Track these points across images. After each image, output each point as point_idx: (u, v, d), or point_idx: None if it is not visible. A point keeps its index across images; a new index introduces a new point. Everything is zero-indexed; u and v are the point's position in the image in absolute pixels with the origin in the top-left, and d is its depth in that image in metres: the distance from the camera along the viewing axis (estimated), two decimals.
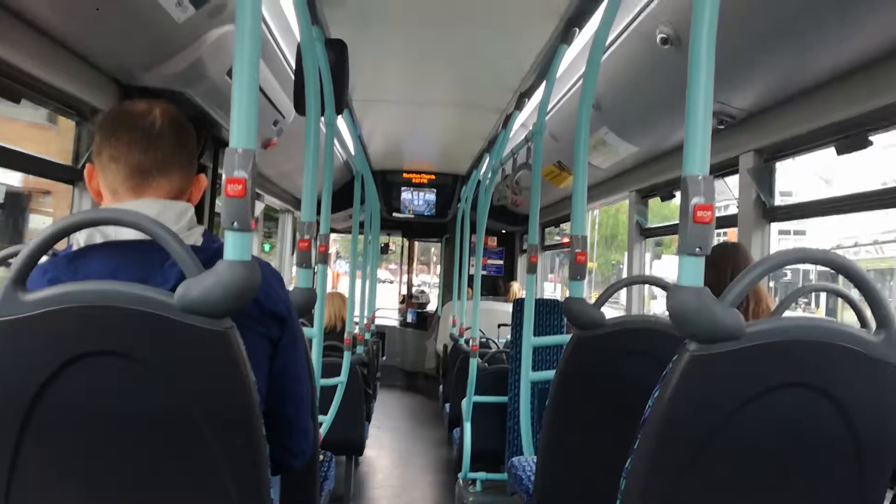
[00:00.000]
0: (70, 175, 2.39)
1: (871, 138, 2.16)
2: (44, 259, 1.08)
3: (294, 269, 2.20)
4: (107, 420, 1.04)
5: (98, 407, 1.03)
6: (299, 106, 2.22)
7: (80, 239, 1.16)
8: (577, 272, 2.01)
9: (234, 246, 1.02)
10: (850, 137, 2.22)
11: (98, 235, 1.16)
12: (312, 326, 2.62)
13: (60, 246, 1.15)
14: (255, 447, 1.08)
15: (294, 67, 2.43)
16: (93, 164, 1.25)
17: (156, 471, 1.06)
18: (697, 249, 1.06)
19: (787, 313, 1.96)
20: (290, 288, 1.75)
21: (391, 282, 11.88)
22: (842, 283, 1.56)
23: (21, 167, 2.23)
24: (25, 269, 1.02)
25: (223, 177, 1.04)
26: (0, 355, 1.01)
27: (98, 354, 1.01)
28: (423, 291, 9.15)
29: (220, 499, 1.08)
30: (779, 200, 2.68)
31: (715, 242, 1.62)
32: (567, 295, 2.00)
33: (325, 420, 3.24)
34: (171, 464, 1.06)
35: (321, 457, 2.28)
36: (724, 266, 2.06)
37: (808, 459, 1.13)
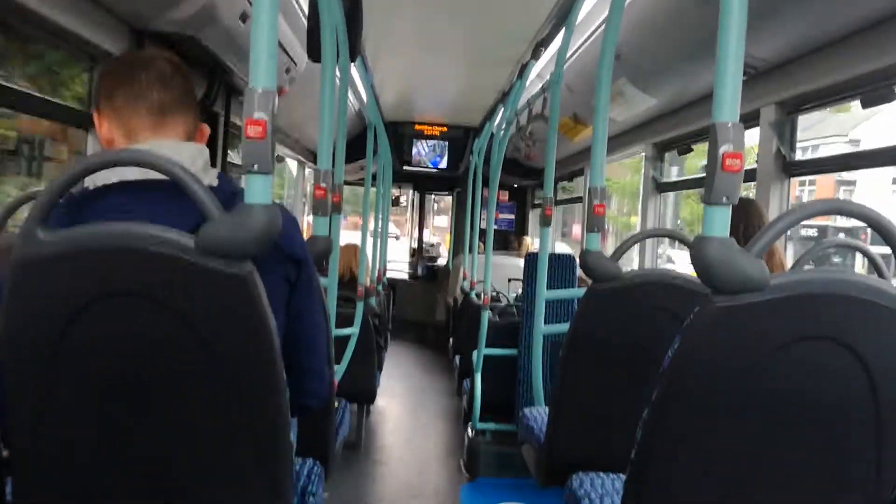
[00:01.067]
0: (83, 119, 2.38)
1: None
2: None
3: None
4: (129, 360, 1.04)
5: (120, 347, 1.04)
6: (313, 52, 2.18)
7: (96, 179, 1.16)
8: (594, 224, 1.99)
9: (255, 189, 1.01)
10: (876, 90, 2.17)
11: (115, 176, 1.15)
12: (326, 275, 2.62)
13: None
14: (276, 389, 1.08)
15: (307, 14, 2.38)
16: (99, 112, 1.25)
17: (178, 411, 1.07)
18: (724, 199, 1.04)
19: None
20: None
21: (396, 237, 11.83)
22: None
23: (34, 111, 2.21)
24: (47, 208, 1.01)
25: (239, 121, 1.03)
26: (21, 294, 1.02)
27: (119, 295, 1.01)
28: (433, 245, 9.15)
29: (241, 440, 1.09)
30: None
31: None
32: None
33: (339, 369, 3.27)
34: (193, 406, 1.07)
35: (336, 403, 2.31)
36: (736, 222, 2.03)
37: (828, 414, 1.13)
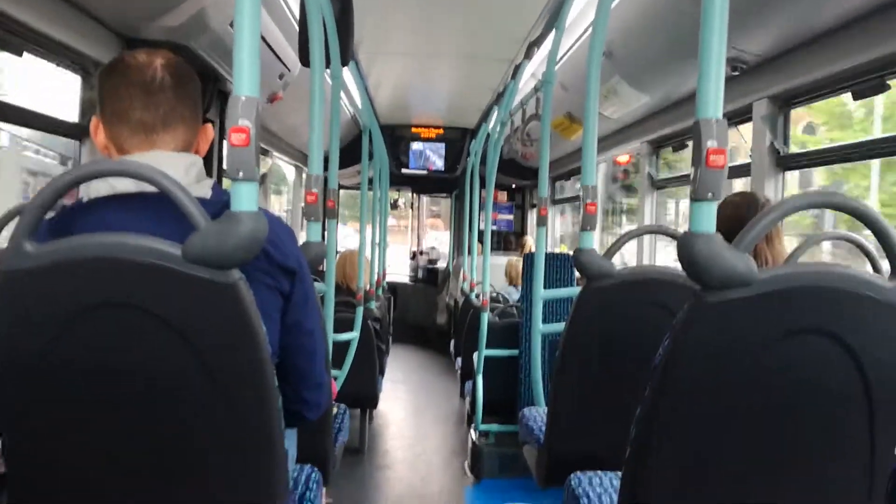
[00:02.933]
0: (75, 131, 2.38)
1: (888, 82, 2.11)
2: (51, 213, 1.08)
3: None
4: (117, 371, 1.05)
5: (107, 359, 1.04)
6: (304, 57, 2.18)
7: (90, 191, 1.16)
8: (587, 223, 1.99)
9: (241, 196, 1.01)
10: (868, 82, 2.17)
11: (109, 188, 1.15)
12: (323, 281, 2.63)
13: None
14: (266, 398, 1.08)
15: (298, 19, 2.39)
16: (98, 118, 1.23)
17: (167, 421, 1.07)
18: (710, 195, 1.04)
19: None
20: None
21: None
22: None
23: (26, 123, 2.22)
24: (34, 221, 1.02)
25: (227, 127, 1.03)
26: (9, 307, 1.02)
27: (107, 306, 1.02)
28: (433, 248, 9.15)
29: (233, 450, 1.09)
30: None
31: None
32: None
33: (339, 374, 3.27)
34: (182, 415, 1.07)
35: (335, 409, 2.31)
36: (735, 217, 2.03)
37: (820, 407, 1.13)
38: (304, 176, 6.26)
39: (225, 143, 1.02)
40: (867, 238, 1.72)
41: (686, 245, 1.05)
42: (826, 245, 2.94)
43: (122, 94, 1.19)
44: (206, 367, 1.04)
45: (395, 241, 9.39)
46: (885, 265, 1.18)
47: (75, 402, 1.06)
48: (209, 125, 1.31)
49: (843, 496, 1.17)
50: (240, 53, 1.01)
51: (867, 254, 1.76)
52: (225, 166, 1.02)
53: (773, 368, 1.09)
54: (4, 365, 1.04)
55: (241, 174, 1.01)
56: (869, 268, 1.75)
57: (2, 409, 1.06)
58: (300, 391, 1.39)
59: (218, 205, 1.14)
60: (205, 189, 1.20)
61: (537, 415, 2.40)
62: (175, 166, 1.16)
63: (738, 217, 2.03)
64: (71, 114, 2.41)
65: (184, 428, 1.08)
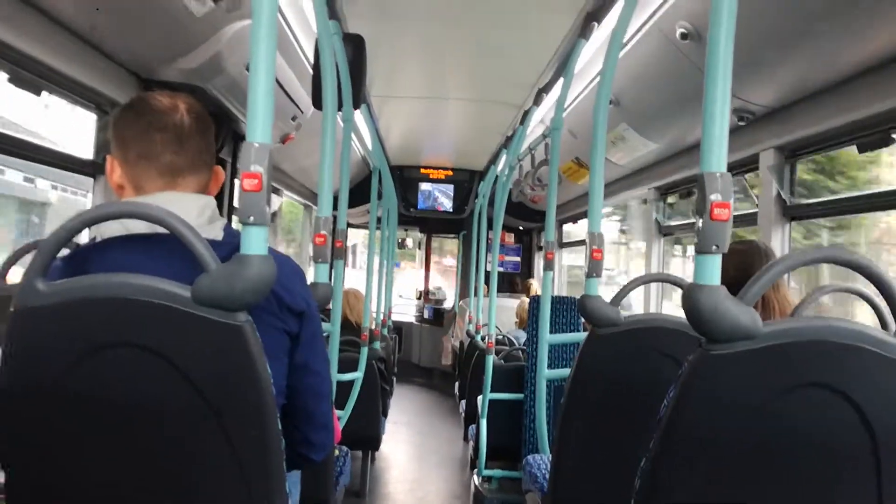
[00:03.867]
0: (90, 168, 2.42)
1: (893, 136, 2.13)
2: (65, 251, 1.10)
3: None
4: (123, 410, 1.05)
5: (115, 397, 1.04)
6: (317, 101, 2.22)
7: (104, 231, 1.17)
8: (592, 269, 1.99)
9: (251, 240, 1.02)
10: (873, 135, 2.19)
11: (122, 228, 1.16)
12: (329, 321, 2.63)
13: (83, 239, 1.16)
14: (270, 440, 1.08)
15: (312, 63, 2.44)
16: (113, 157, 1.24)
17: (170, 460, 1.07)
18: (714, 247, 1.05)
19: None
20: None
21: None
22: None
23: (41, 160, 2.25)
24: (47, 259, 1.03)
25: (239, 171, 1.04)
26: (20, 345, 1.03)
27: (115, 346, 1.02)
28: (439, 288, 9.16)
29: (234, 491, 1.08)
30: None
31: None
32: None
33: (342, 415, 3.25)
34: (185, 455, 1.07)
35: (336, 451, 2.29)
36: (741, 265, 2.03)
37: (825, 462, 1.12)
38: (313, 215, 6.31)
39: (237, 185, 1.04)
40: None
41: (691, 297, 1.05)
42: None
43: (154, 137, 1.20)
44: (211, 407, 1.04)
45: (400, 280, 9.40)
46: (892, 320, 1.18)
47: (81, 437, 1.06)
48: (220, 168, 1.33)
49: None
50: (254, 100, 1.04)
51: (874, 307, 1.75)
52: (236, 205, 1.04)
53: (777, 422, 1.08)
54: (14, 398, 1.04)
55: (251, 218, 1.02)
56: (877, 321, 1.74)
57: (9, 440, 1.06)
58: (306, 432, 1.38)
59: (229, 247, 1.14)
60: (216, 230, 1.21)
61: (542, 462, 2.38)
62: (188, 207, 1.18)
63: (743, 265, 2.03)
64: (85, 151, 2.45)
65: (185, 467, 1.08)
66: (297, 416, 1.35)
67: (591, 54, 3.03)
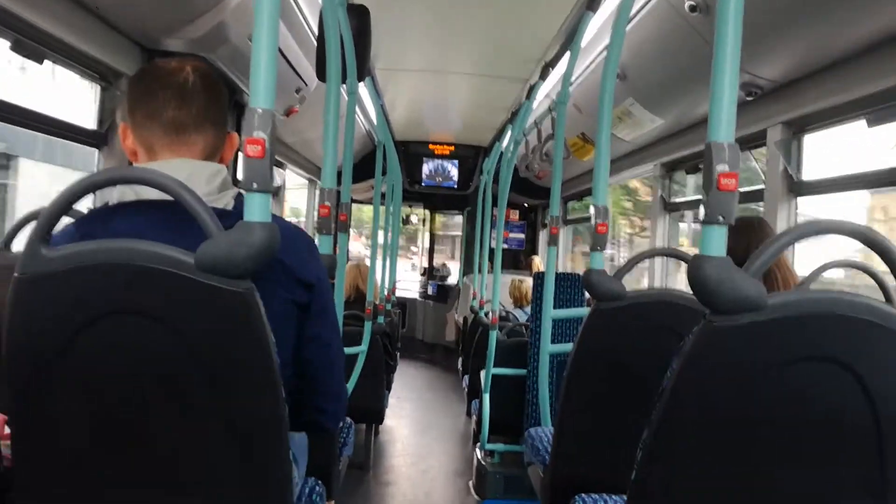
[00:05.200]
0: (94, 139, 2.41)
1: None
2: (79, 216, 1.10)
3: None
4: (128, 376, 1.05)
5: (119, 363, 1.05)
6: (321, 72, 2.20)
7: (114, 196, 1.17)
8: (597, 243, 1.98)
9: (254, 207, 1.02)
10: (882, 110, 2.17)
11: (132, 193, 1.16)
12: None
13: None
14: (274, 407, 1.08)
15: (317, 35, 2.41)
16: (126, 123, 1.25)
17: (175, 427, 1.08)
18: (720, 218, 1.04)
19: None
20: None
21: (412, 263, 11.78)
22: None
23: (46, 130, 2.25)
24: (48, 226, 1.03)
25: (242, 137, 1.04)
26: (23, 311, 1.03)
27: (119, 312, 1.02)
28: (444, 264, 9.17)
29: (237, 458, 1.09)
30: None
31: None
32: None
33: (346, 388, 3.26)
34: (190, 422, 1.08)
35: (340, 423, 2.30)
36: (743, 240, 2.02)
37: (827, 435, 1.12)
38: (317, 189, 6.30)
39: (240, 153, 1.03)
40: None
41: (696, 268, 1.04)
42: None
43: (157, 94, 1.21)
44: (214, 373, 1.05)
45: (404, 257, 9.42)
46: None
47: (86, 405, 1.07)
48: (235, 134, 1.32)
49: None
50: (257, 67, 1.03)
51: (878, 282, 1.75)
52: (239, 176, 1.03)
53: (780, 395, 1.08)
54: (19, 363, 1.05)
55: (255, 185, 1.02)
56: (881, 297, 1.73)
57: (16, 408, 1.07)
58: (319, 402, 1.40)
59: (239, 217, 1.14)
60: (226, 199, 1.21)
61: (543, 435, 2.39)
62: (198, 175, 1.18)
63: (746, 240, 2.03)
64: (88, 121, 2.44)
65: (189, 433, 1.09)
66: (311, 386, 1.37)
67: (597, 28, 3.00)
